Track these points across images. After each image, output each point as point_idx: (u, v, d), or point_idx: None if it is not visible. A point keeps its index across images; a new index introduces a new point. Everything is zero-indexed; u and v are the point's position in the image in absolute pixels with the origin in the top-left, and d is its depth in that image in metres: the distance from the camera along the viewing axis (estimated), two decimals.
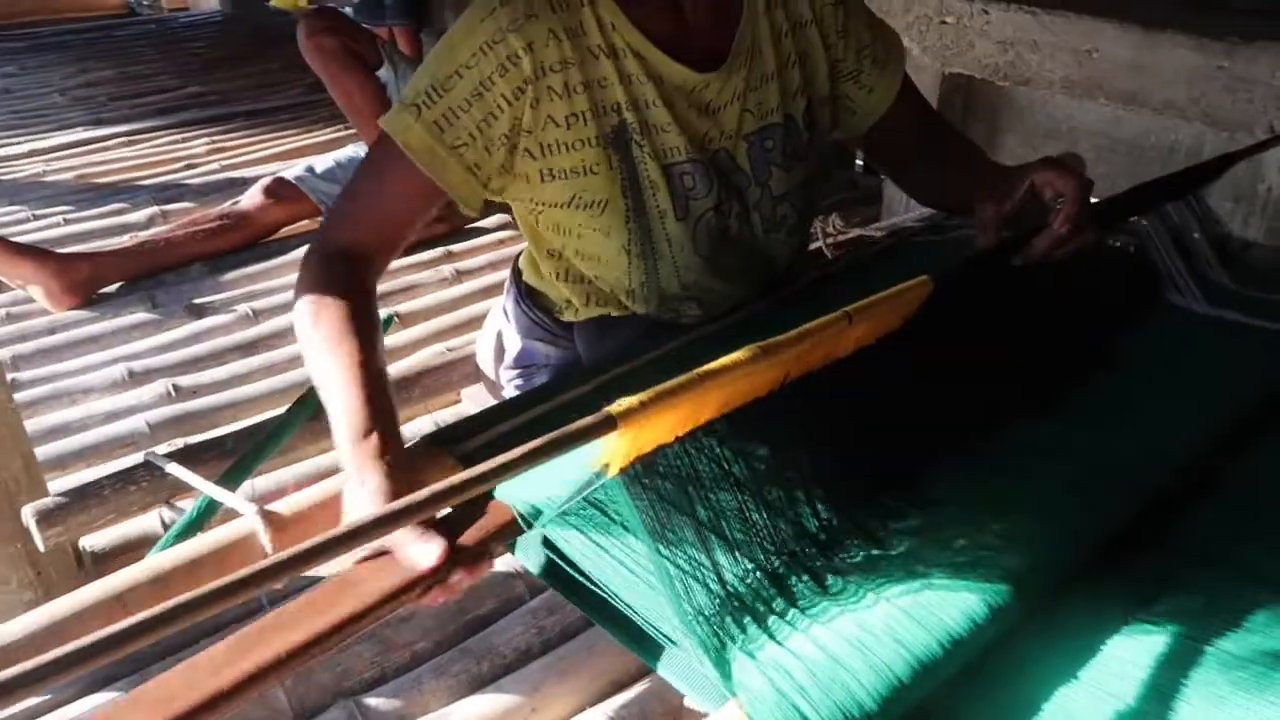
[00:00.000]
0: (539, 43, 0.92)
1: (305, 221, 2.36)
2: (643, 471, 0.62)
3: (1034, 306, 0.99)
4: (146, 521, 1.32)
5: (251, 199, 2.30)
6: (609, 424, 0.57)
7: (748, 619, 0.62)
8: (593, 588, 0.66)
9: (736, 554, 0.65)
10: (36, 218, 2.50)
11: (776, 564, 0.66)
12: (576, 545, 0.68)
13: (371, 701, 1.04)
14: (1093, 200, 0.98)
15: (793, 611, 0.63)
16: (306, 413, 1.17)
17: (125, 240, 2.22)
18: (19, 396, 1.61)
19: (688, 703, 1.01)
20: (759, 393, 0.69)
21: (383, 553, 0.66)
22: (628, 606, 0.64)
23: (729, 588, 0.63)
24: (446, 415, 1.62)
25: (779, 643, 0.60)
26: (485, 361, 1.38)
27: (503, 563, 1.24)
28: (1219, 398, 0.92)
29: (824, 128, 1.12)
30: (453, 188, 0.94)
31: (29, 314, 2.01)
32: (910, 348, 0.80)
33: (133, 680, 1.08)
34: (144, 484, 1.10)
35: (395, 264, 2.15)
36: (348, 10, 3.20)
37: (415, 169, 0.92)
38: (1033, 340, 0.94)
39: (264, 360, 1.81)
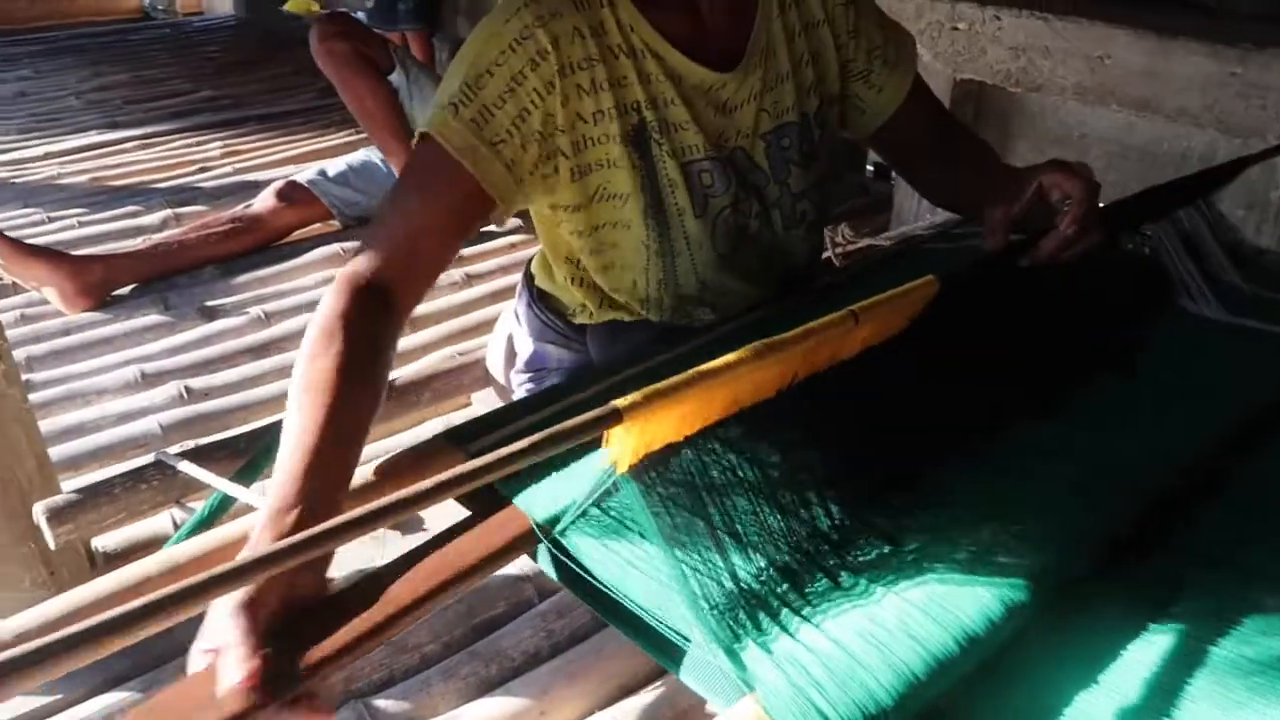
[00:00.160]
0: (564, 39, 0.92)
1: (317, 225, 2.37)
2: (656, 478, 0.62)
3: (1040, 308, 0.99)
4: (158, 522, 1.33)
5: (264, 202, 2.31)
6: (614, 417, 0.57)
7: (762, 614, 0.62)
8: (608, 592, 0.66)
9: (750, 554, 0.65)
10: (51, 220, 2.52)
11: (790, 562, 0.66)
12: (593, 554, 0.68)
13: (380, 703, 1.05)
14: (1101, 204, 0.98)
15: (808, 608, 0.63)
16: None
17: (139, 243, 2.23)
18: (33, 397, 1.62)
19: (703, 707, 1.01)
20: (766, 391, 0.69)
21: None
22: (642, 608, 0.64)
23: (743, 585, 0.63)
24: (457, 419, 1.62)
25: (795, 638, 0.60)
26: (495, 366, 1.38)
27: (512, 566, 1.24)
28: (1229, 400, 0.92)
29: (833, 127, 1.13)
30: (492, 185, 0.91)
31: (43, 315, 2.02)
32: (916, 348, 0.80)
33: (144, 680, 1.09)
34: (155, 483, 1.10)
35: None
36: (361, 15, 3.21)
37: (460, 171, 0.90)
38: (1039, 342, 0.94)
39: (275, 363, 1.82)
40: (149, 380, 1.76)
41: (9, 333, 1.53)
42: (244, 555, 0.51)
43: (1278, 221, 1.62)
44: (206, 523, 0.98)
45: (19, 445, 1.18)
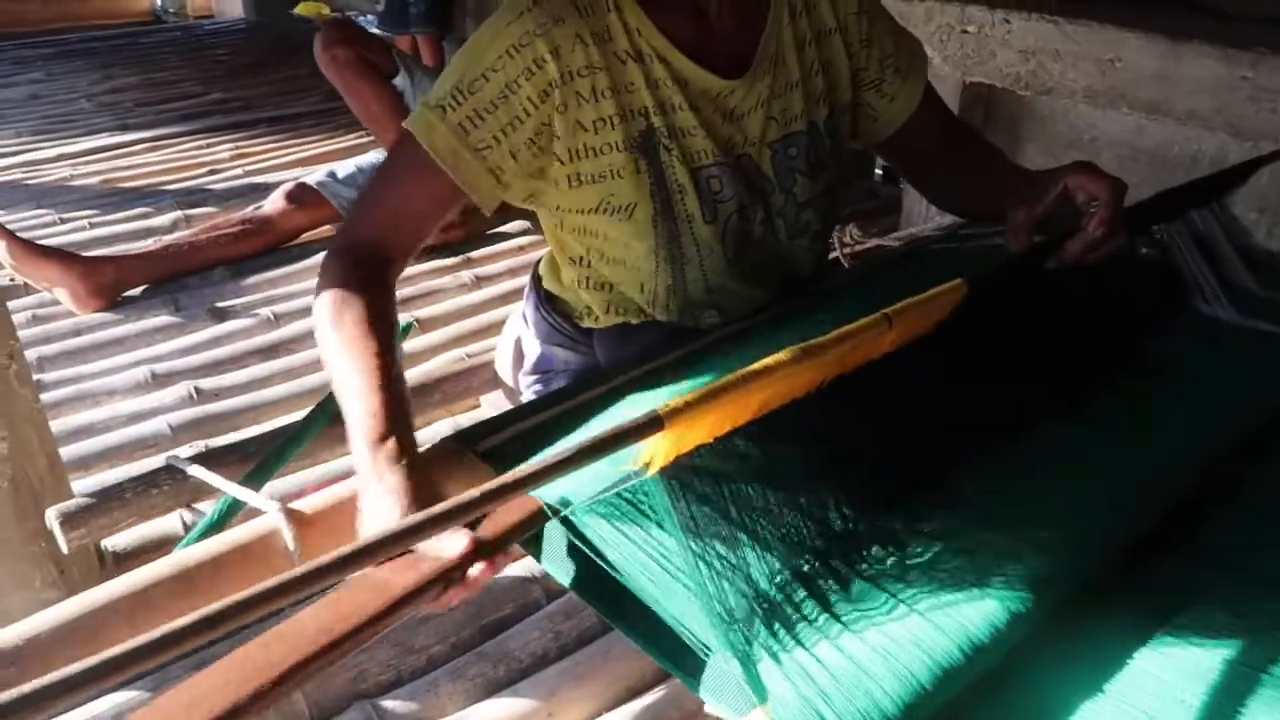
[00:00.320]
0: (565, 47, 0.92)
1: (327, 226, 2.37)
2: (679, 471, 0.62)
3: (1066, 310, 0.98)
4: (168, 523, 1.34)
5: (274, 204, 2.32)
6: (656, 424, 0.57)
7: (775, 622, 0.62)
8: (615, 575, 0.65)
9: (766, 554, 0.65)
10: (63, 221, 2.53)
11: (804, 566, 0.66)
12: (604, 534, 0.67)
13: (388, 704, 1.05)
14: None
15: (817, 615, 0.63)
16: (327, 417, 1.18)
17: (149, 244, 2.24)
18: (44, 397, 1.63)
19: (705, 709, 1.01)
20: (797, 394, 0.69)
21: (401, 551, 0.66)
22: (653, 603, 0.63)
23: (757, 588, 0.63)
24: (466, 420, 1.62)
25: (804, 647, 0.60)
26: (504, 368, 1.38)
27: (520, 567, 1.24)
28: (1245, 404, 0.91)
29: (844, 135, 1.12)
30: (473, 189, 0.95)
31: (54, 316, 2.03)
32: (941, 350, 0.80)
33: (153, 679, 1.09)
34: (165, 487, 1.11)
35: (415, 269, 2.17)
36: (371, 19, 3.22)
37: (438, 170, 0.93)
38: (1063, 343, 0.94)
39: (285, 364, 1.83)
40: (159, 381, 1.77)
41: (21, 333, 1.54)
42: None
43: None
44: (216, 526, 0.98)
45: (30, 445, 1.19)
